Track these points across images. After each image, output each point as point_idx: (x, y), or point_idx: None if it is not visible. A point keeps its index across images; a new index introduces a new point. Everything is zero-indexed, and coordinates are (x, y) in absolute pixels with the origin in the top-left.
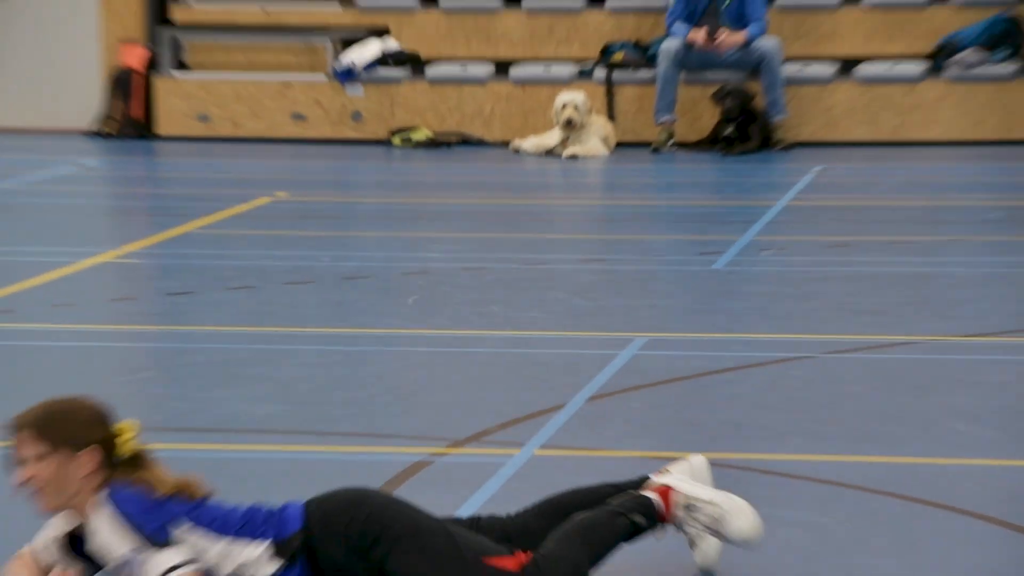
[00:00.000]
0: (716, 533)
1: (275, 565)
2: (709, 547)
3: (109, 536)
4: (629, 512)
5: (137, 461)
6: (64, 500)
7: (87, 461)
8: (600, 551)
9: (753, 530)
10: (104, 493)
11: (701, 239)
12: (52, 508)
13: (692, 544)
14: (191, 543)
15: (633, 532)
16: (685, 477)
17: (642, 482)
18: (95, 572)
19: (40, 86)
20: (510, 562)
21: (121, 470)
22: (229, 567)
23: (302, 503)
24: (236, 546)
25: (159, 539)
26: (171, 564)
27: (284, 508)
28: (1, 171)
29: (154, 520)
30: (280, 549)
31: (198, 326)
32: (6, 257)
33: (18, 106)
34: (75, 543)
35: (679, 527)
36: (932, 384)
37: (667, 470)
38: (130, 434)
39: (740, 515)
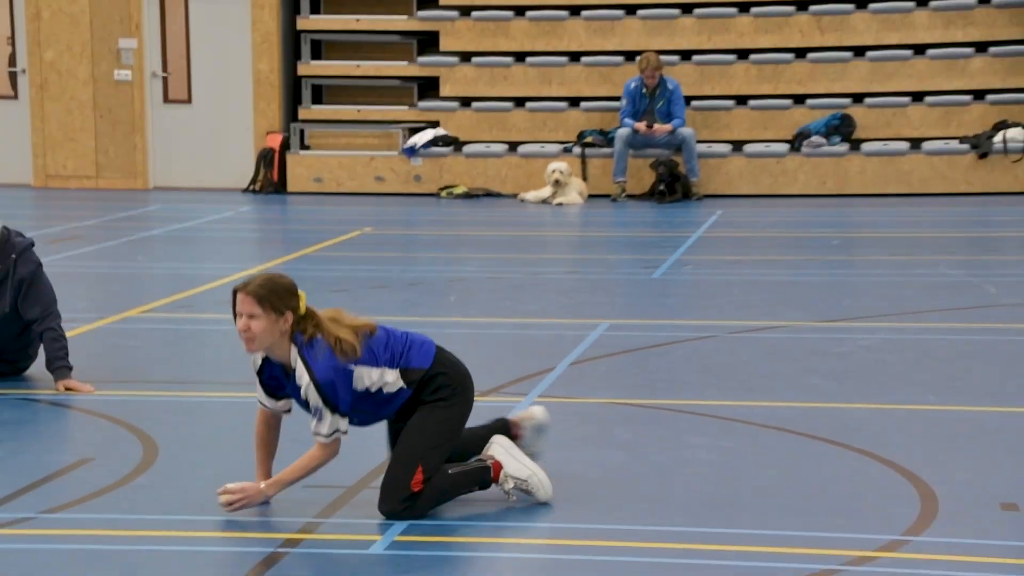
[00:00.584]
0: (526, 493)
1: (399, 386)
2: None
3: (305, 385)
4: (473, 482)
5: (311, 317)
6: (266, 347)
7: (285, 321)
8: (452, 495)
9: (548, 497)
10: (300, 346)
11: (644, 258)
12: (255, 350)
13: (508, 495)
14: (356, 375)
15: (473, 489)
16: (514, 454)
17: (503, 424)
18: (274, 396)
19: (214, 159)
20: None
21: (304, 324)
22: (375, 386)
23: (435, 348)
24: (382, 372)
25: (337, 394)
26: (338, 428)
27: (422, 344)
28: (186, 215)
29: (334, 376)
30: (405, 376)
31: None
32: (190, 271)
33: (199, 172)
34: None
35: (501, 488)
36: (796, 354)
37: (517, 423)
38: (305, 299)
39: (541, 488)
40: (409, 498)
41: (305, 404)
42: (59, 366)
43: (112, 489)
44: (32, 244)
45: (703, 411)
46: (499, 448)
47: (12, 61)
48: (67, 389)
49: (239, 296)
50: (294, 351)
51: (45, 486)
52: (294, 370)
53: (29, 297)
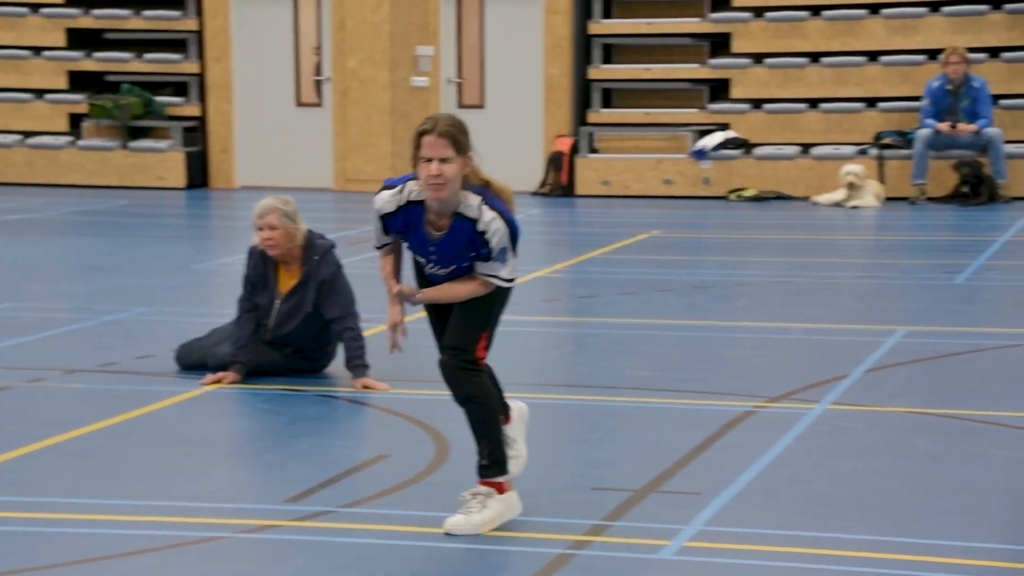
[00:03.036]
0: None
1: None
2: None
3: (495, 230)
4: (503, 408)
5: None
6: (451, 192)
7: (467, 164)
8: (493, 399)
9: (520, 469)
10: (483, 194)
11: (945, 262)
12: (443, 197)
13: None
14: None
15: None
16: (520, 425)
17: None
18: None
19: (505, 162)
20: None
21: (472, 169)
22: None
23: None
24: None
25: (513, 243)
26: (512, 276)
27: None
28: None
29: (512, 226)
30: None
31: (599, 318)
32: None
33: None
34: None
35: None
36: None
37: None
38: None
39: (516, 462)
40: (473, 363)
41: (467, 252)
42: (357, 364)
43: (407, 486)
44: (333, 246)
45: (1010, 423)
46: (516, 411)
47: (318, 70)
48: (364, 387)
49: (430, 139)
50: (474, 198)
51: (344, 481)
52: (473, 218)
53: (330, 297)
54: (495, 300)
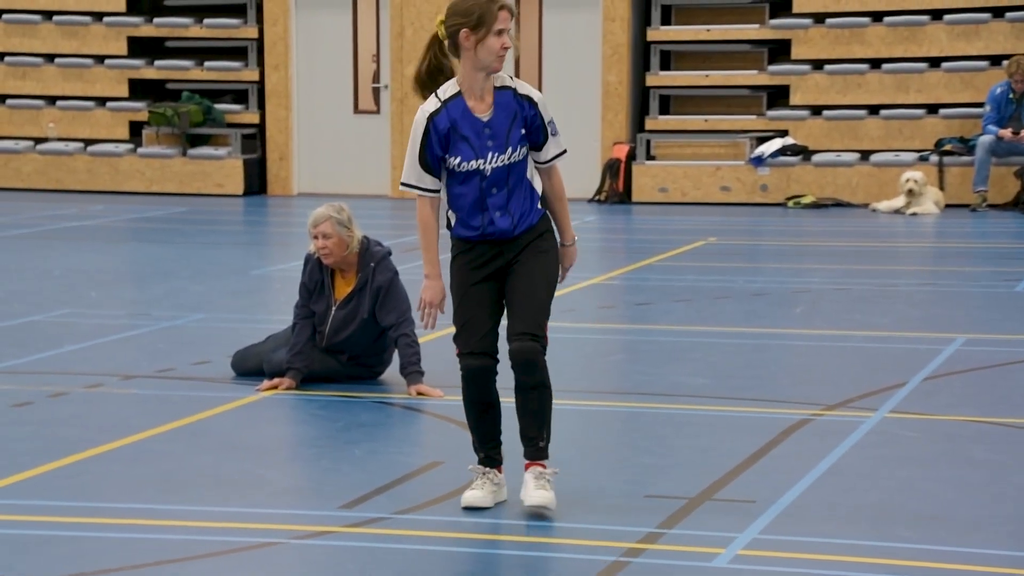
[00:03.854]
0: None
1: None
2: None
3: (539, 99)
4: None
5: None
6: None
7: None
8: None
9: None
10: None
11: (1005, 270)
12: (500, 69)
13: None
14: None
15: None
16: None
17: None
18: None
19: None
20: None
21: None
22: None
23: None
24: None
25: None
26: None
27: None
28: None
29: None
30: None
31: (655, 325)
32: None
33: None
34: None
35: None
36: None
37: None
38: None
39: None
40: (546, 347)
41: (517, 128)
42: (412, 371)
43: (460, 492)
44: (389, 253)
45: None
46: None
47: (376, 77)
48: (419, 393)
49: (505, 13)
50: (501, 74)
51: (398, 487)
52: (511, 86)
53: (386, 304)
54: (549, 278)
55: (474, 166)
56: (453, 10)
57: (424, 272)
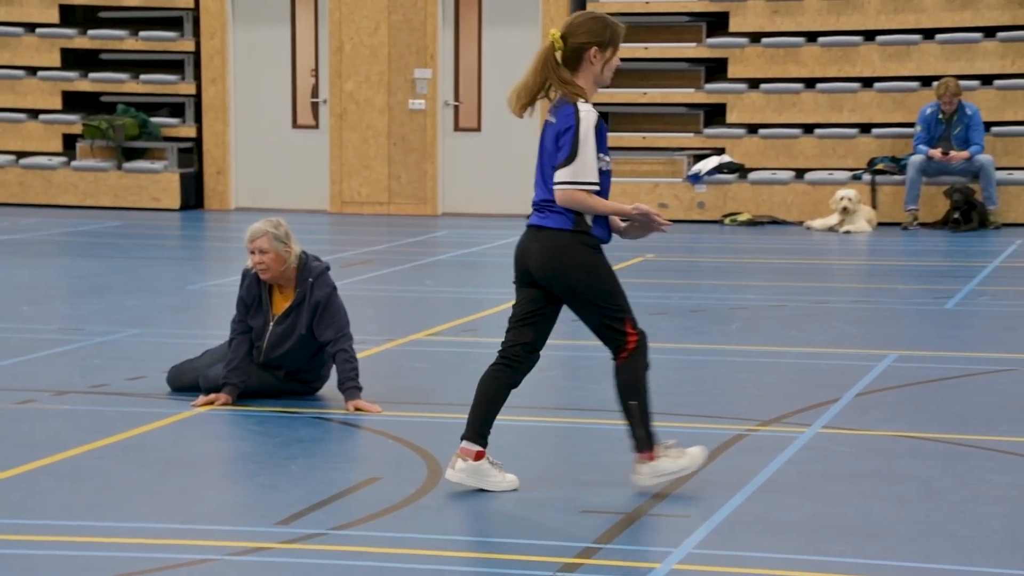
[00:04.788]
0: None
1: None
2: None
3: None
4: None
5: None
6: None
7: None
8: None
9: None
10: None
11: (936, 288)
12: None
13: None
14: None
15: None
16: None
17: None
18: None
19: (501, 185)
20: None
21: None
22: None
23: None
24: None
25: None
26: None
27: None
28: (472, 240)
29: None
30: None
31: (592, 341)
32: (475, 295)
33: (486, 199)
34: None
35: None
36: None
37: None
38: None
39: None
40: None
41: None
42: (350, 387)
43: (398, 508)
44: (328, 268)
45: (998, 447)
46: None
47: (315, 92)
48: (357, 409)
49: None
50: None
51: (335, 503)
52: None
53: (324, 319)
54: (602, 275)
55: (610, 166)
56: (583, 28)
57: (622, 211)
